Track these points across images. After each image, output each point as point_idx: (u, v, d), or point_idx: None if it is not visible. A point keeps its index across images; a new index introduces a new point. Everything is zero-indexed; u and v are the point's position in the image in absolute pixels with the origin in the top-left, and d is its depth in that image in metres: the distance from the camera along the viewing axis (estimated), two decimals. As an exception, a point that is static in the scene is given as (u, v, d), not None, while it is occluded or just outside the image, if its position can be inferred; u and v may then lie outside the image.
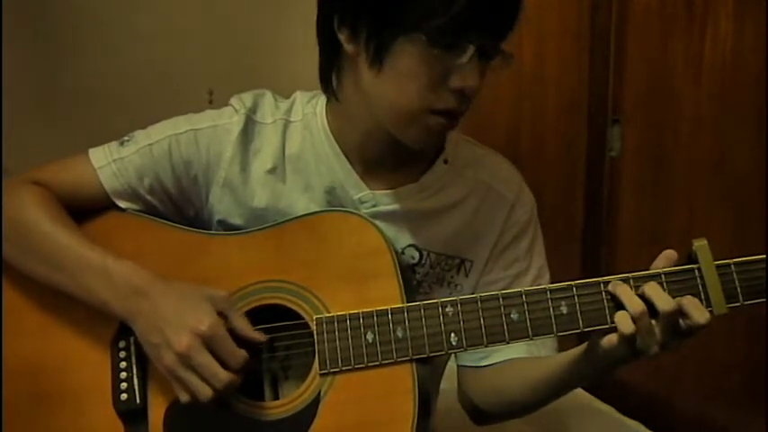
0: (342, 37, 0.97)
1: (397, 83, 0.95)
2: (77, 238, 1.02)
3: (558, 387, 1.04)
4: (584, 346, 0.97)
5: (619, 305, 0.91)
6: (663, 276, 0.93)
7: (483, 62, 0.94)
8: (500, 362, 1.09)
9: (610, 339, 0.91)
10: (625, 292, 0.91)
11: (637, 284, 0.92)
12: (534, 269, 1.12)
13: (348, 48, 0.97)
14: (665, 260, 0.94)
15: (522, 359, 1.08)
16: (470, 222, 1.10)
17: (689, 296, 0.90)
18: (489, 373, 1.10)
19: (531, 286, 0.97)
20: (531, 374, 1.05)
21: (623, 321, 0.89)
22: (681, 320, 0.90)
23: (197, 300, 0.96)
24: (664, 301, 0.89)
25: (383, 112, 0.99)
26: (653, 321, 0.89)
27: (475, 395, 1.12)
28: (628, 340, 0.89)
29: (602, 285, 0.93)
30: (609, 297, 0.93)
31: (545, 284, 0.99)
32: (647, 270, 0.94)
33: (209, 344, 0.93)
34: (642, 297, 0.90)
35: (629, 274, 0.93)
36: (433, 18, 0.89)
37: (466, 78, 0.93)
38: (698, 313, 0.89)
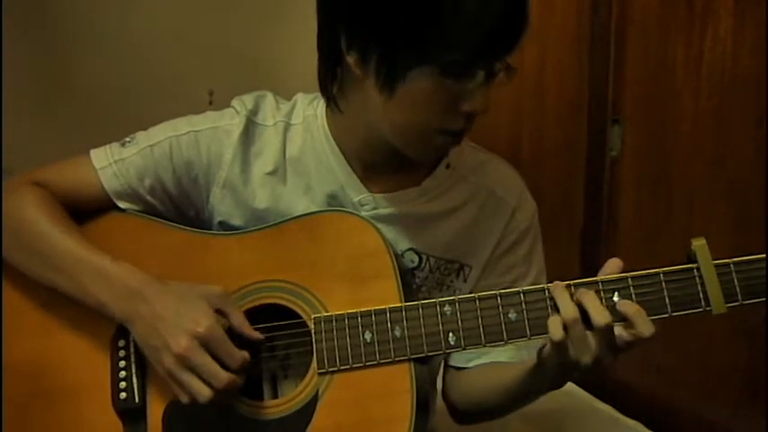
0: (350, 60, 0.95)
1: (408, 108, 0.95)
2: (76, 240, 1.02)
3: (520, 394, 1.04)
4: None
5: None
6: (662, 276, 0.93)
7: (490, 81, 0.94)
8: (482, 364, 1.10)
9: (546, 348, 0.91)
10: (561, 297, 0.91)
11: (636, 284, 0.92)
12: (532, 276, 1.12)
13: (356, 71, 0.96)
14: (613, 267, 0.94)
15: (497, 364, 1.09)
16: (471, 227, 1.10)
17: (636, 306, 0.90)
18: (468, 374, 1.11)
19: None
20: (500, 380, 1.06)
21: (553, 327, 0.89)
22: (624, 331, 0.89)
23: (194, 300, 0.96)
24: (599, 315, 0.88)
25: (391, 131, 0.99)
26: (588, 333, 0.89)
27: (452, 394, 1.14)
28: (559, 347, 0.89)
29: (600, 285, 0.93)
30: (608, 296, 0.93)
31: None
32: (647, 270, 0.94)
33: (207, 345, 0.93)
34: (579, 306, 0.89)
35: (629, 274, 0.93)
36: (449, 53, 0.89)
37: (476, 102, 0.94)
38: (644, 326, 0.88)
